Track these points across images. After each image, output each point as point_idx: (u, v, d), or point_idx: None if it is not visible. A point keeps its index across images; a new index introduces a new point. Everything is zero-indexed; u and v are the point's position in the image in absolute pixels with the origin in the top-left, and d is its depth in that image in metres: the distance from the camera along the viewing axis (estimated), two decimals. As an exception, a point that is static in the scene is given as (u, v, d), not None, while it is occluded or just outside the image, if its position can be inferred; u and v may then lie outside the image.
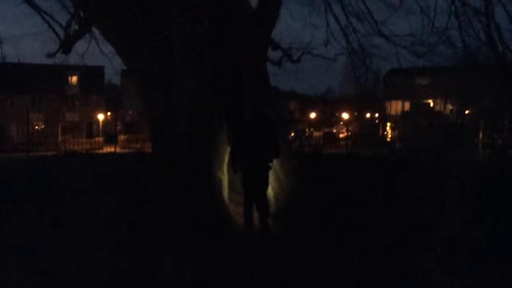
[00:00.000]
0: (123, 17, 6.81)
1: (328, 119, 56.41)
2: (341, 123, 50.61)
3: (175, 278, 4.02)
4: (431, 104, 41.19)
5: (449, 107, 37.67)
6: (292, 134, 31.81)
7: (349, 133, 28.30)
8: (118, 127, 43.09)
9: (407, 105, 43.22)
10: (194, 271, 4.19)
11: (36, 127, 39.46)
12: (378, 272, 4.31)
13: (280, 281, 4.18)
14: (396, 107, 43.69)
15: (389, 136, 33.43)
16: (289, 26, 13.56)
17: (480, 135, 20.41)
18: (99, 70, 40.72)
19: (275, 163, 6.45)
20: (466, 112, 30.32)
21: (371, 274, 4.27)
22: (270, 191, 6.72)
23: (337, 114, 55.98)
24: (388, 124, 37.17)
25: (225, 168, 6.86)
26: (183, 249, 4.74)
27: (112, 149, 26.79)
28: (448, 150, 15.55)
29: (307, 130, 44.33)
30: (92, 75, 40.58)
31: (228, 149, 6.71)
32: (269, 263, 4.59)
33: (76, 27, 11.16)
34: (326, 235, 5.60)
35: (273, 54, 13.82)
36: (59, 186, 8.25)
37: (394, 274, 4.24)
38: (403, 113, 41.44)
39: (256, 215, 6.20)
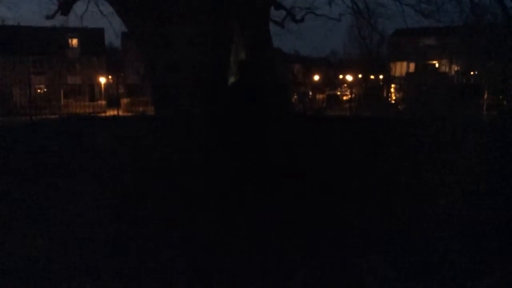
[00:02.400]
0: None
1: (332, 81, 55.84)
2: (345, 85, 50.14)
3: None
4: (437, 65, 40.62)
5: (455, 68, 37.18)
6: (295, 97, 31.57)
7: (353, 95, 28.09)
8: (120, 90, 42.89)
9: (412, 66, 42.60)
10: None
11: (39, 90, 39.32)
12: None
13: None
14: (401, 68, 43.06)
15: (394, 98, 33.17)
16: (292, -15, 13.27)
17: (485, 96, 20.23)
18: (99, 32, 40.11)
19: None
20: (471, 73, 29.95)
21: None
22: None
23: (341, 76, 55.35)
24: (393, 85, 36.79)
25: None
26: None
27: (115, 112, 26.80)
28: (452, 111, 15.49)
29: (310, 92, 43.98)
30: (92, 38, 39.97)
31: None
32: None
33: (74, -13, 10.92)
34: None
35: (276, 14, 13.55)
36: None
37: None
38: (408, 74, 40.93)
39: None
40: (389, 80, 39.23)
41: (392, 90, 35.87)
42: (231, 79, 6.63)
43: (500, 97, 19.11)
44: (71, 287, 3.30)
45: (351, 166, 6.83)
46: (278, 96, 8.55)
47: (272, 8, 11.80)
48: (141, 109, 25.07)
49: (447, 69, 38.38)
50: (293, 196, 5.29)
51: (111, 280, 3.39)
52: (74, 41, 40.88)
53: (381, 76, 43.06)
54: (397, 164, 6.83)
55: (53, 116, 24.24)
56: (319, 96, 40.40)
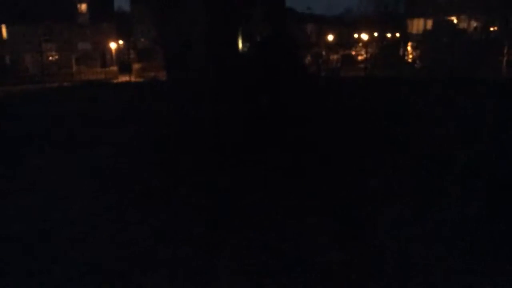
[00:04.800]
0: None
1: (346, 41, 54.49)
2: (360, 44, 48.96)
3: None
4: (455, 22, 39.18)
5: (474, 24, 35.84)
6: (309, 58, 30.92)
7: (368, 54, 27.42)
8: (132, 56, 42.55)
9: (429, 23, 41.13)
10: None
11: (50, 58, 39.25)
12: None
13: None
14: (418, 25, 41.57)
15: (410, 56, 32.32)
16: None
17: (505, 52, 19.52)
18: (108, -4, 39.41)
19: None
20: (491, 29, 28.87)
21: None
22: None
23: (355, 35, 53.92)
24: (409, 43, 35.76)
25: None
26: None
27: (127, 78, 26.75)
28: (470, 69, 15.02)
29: (323, 53, 43.04)
30: (101, 2, 39.31)
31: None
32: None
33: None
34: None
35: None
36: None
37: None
38: (425, 31, 39.62)
39: None
40: (405, 38, 38.11)
41: (409, 48, 34.91)
42: (242, 43, 6.46)
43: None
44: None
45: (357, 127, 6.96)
46: (291, 57, 8.31)
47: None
48: (152, 74, 24.88)
49: (465, 25, 37.06)
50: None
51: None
52: (83, 7, 40.29)
53: (397, 34, 41.79)
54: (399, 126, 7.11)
55: (66, 84, 24.26)
56: (333, 57, 39.57)
